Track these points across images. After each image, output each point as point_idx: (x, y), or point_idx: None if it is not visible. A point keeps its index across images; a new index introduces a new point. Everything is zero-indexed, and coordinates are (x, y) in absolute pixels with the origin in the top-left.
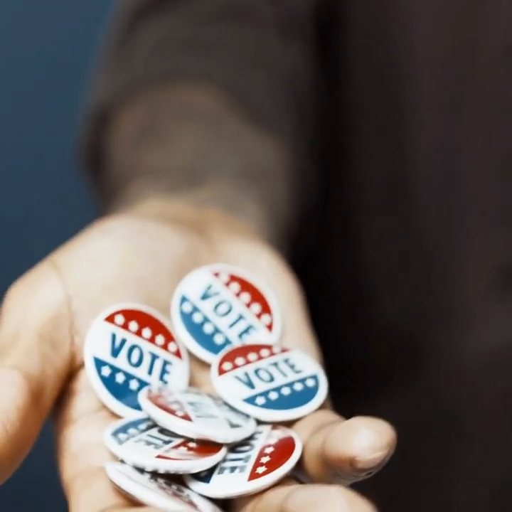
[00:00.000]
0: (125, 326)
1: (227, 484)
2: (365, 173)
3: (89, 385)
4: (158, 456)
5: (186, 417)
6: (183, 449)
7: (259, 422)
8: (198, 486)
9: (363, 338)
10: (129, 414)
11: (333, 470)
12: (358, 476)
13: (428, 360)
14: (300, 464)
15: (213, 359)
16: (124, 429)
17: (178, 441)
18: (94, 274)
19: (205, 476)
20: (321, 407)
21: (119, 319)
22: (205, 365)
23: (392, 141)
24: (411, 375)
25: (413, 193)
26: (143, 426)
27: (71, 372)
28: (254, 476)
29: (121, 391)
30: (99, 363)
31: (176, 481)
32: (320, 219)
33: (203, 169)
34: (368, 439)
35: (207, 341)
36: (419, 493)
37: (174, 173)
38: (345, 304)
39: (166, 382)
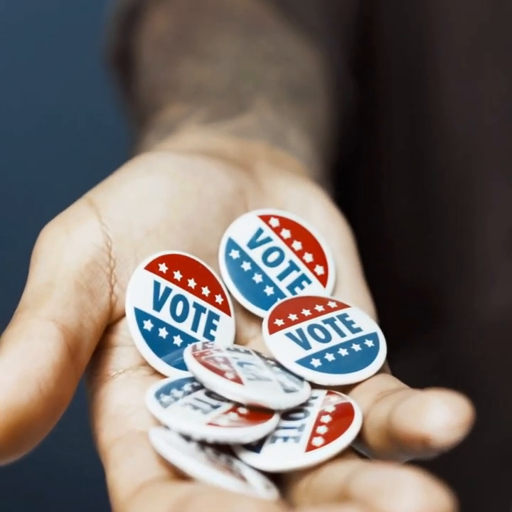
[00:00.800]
0: (169, 275)
1: (281, 456)
2: (388, 125)
3: (129, 340)
4: (209, 424)
5: (237, 380)
6: (233, 415)
7: (313, 386)
8: (248, 457)
9: (381, 297)
10: (172, 373)
11: (399, 447)
12: (428, 455)
13: (446, 319)
14: (359, 434)
15: (262, 313)
16: (167, 389)
17: (227, 406)
18: (137, 215)
19: (255, 446)
20: (380, 371)
21: (163, 267)
22: (252, 319)
23: (417, 91)
24: (429, 334)
25: (435, 147)
26: (188, 387)
27: (109, 324)
28: (310, 447)
29: (164, 347)
30: (141, 316)
31: (223, 450)
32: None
33: (246, 92)
34: (444, 416)
35: (255, 293)
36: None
37: (214, 98)
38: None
39: (212, 338)
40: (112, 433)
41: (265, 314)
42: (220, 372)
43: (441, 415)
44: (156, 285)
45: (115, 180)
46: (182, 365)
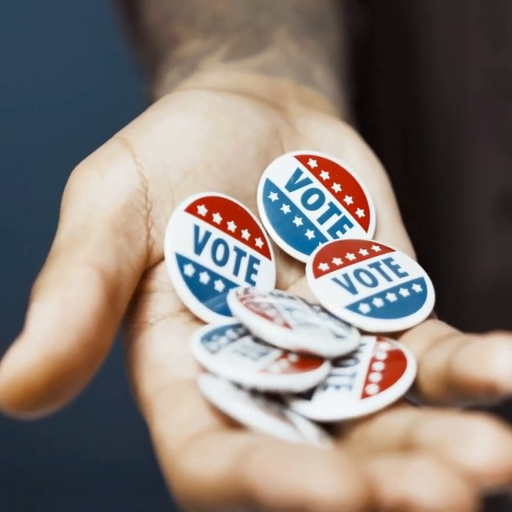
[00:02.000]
0: (208, 218)
1: (335, 405)
2: (375, 96)
3: (167, 284)
4: (261, 371)
5: (286, 326)
6: (283, 362)
7: (362, 333)
8: (300, 407)
9: None
10: (214, 320)
11: (459, 394)
12: (490, 402)
13: (436, 287)
14: (414, 382)
15: (303, 258)
16: (211, 336)
17: (276, 353)
18: (173, 156)
19: (306, 395)
20: (429, 317)
21: (202, 210)
22: (292, 264)
23: (406, 58)
24: None
25: (423, 117)
26: (233, 334)
27: (146, 269)
28: (365, 395)
29: (205, 292)
30: (182, 261)
31: (274, 400)
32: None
33: (265, 24)
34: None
35: (296, 236)
36: None
37: (234, 32)
38: None
39: (253, 283)
40: (156, 382)
41: (307, 259)
42: (268, 318)
43: (509, 359)
44: (196, 228)
45: (148, 119)
46: (224, 311)
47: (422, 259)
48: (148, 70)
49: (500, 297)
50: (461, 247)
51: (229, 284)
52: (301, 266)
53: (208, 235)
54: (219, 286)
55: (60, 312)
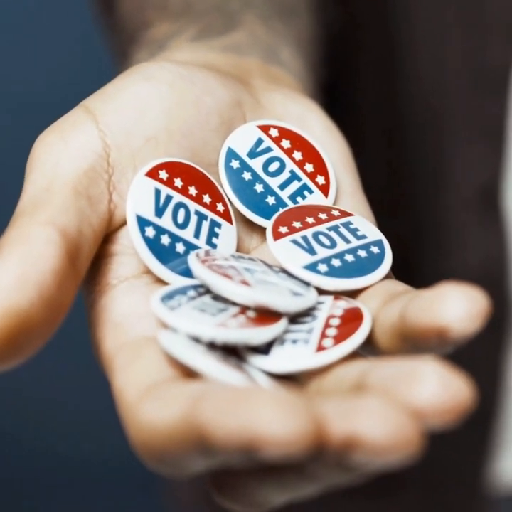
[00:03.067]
0: (170, 182)
1: (291, 358)
2: (359, 88)
3: (130, 248)
4: (218, 325)
5: (244, 283)
6: (241, 318)
7: (320, 292)
8: (257, 360)
9: None
10: (176, 281)
11: (413, 343)
12: (442, 350)
13: (421, 279)
14: (369, 338)
15: (264, 223)
16: (172, 295)
17: (235, 309)
18: (136, 122)
19: (264, 350)
20: (386, 277)
21: (163, 174)
22: (253, 229)
23: (388, 54)
24: None
25: (406, 108)
26: (192, 293)
27: (107, 234)
28: (320, 348)
29: (167, 254)
30: (143, 223)
31: (231, 355)
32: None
33: (234, 10)
34: (461, 306)
35: (257, 202)
36: None
37: (203, 15)
38: None
39: (214, 246)
40: (117, 340)
41: (268, 223)
42: (227, 276)
43: (459, 304)
44: (157, 192)
45: (112, 88)
46: (186, 273)
47: (406, 253)
48: (121, 56)
49: (484, 288)
50: (443, 240)
51: (190, 247)
52: (263, 232)
53: (169, 198)
54: (180, 248)
55: (20, 268)
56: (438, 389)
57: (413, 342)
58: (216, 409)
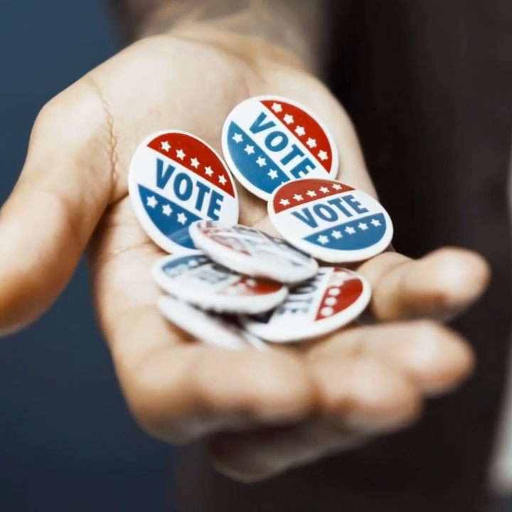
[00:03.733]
0: (172, 154)
1: (290, 326)
2: (368, 83)
3: (132, 218)
4: (218, 293)
5: (244, 252)
6: (241, 286)
7: (320, 264)
8: (256, 328)
9: None
10: (177, 250)
11: (412, 311)
12: (441, 317)
13: None
14: (369, 308)
15: (266, 196)
16: (173, 264)
17: (235, 278)
18: (139, 94)
19: (263, 319)
20: (387, 250)
21: (166, 145)
22: (255, 203)
23: (399, 49)
24: None
25: (415, 105)
26: (193, 262)
27: (110, 204)
28: (319, 317)
29: (168, 224)
30: (145, 193)
31: (231, 323)
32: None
33: None
34: (459, 271)
35: (259, 176)
36: None
37: None
38: None
39: (215, 218)
40: (118, 307)
41: (269, 196)
42: (227, 246)
43: (457, 269)
44: (159, 163)
45: (116, 61)
46: (187, 244)
47: (414, 248)
48: (127, 39)
49: (491, 284)
50: (451, 236)
51: (192, 217)
52: (264, 206)
53: (171, 169)
54: (182, 218)
55: (22, 233)
56: (435, 352)
57: (412, 309)
58: (214, 371)
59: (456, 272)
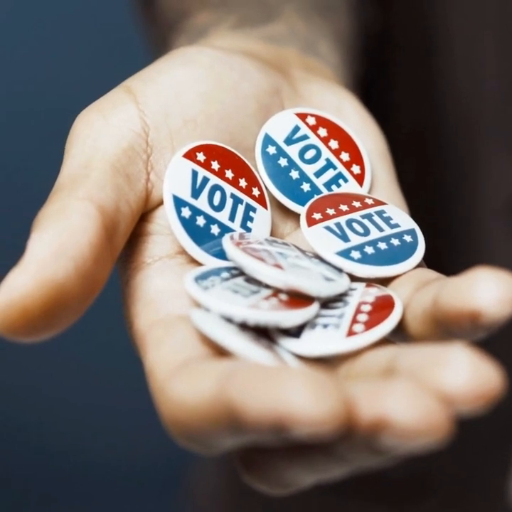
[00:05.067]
0: (207, 165)
1: (321, 341)
2: (394, 94)
3: (165, 228)
4: (250, 306)
5: (277, 266)
6: (274, 300)
7: (352, 279)
8: (288, 343)
9: None
10: (210, 262)
11: (445, 328)
12: (474, 336)
13: None
14: (400, 325)
15: (299, 209)
16: (205, 276)
17: (267, 292)
18: (175, 104)
19: (294, 333)
20: (418, 266)
21: (201, 156)
22: (288, 216)
23: (423, 59)
24: None
25: (439, 114)
26: (226, 274)
27: (144, 213)
28: (351, 333)
29: (202, 235)
30: (179, 203)
31: (263, 336)
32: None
33: (272, 3)
34: (495, 290)
35: (292, 188)
36: None
37: (242, 6)
38: None
39: (248, 230)
40: (150, 317)
41: (302, 210)
42: (260, 259)
43: (493, 287)
44: (194, 173)
45: (152, 70)
46: (220, 255)
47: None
48: (159, 47)
49: None
50: (472, 250)
51: (225, 229)
52: (297, 219)
53: (205, 180)
54: (215, 230)
55: (58, 241)
56: (468, 375)
57: (445, 327)
58: (247, 386)
59: (492, 290)
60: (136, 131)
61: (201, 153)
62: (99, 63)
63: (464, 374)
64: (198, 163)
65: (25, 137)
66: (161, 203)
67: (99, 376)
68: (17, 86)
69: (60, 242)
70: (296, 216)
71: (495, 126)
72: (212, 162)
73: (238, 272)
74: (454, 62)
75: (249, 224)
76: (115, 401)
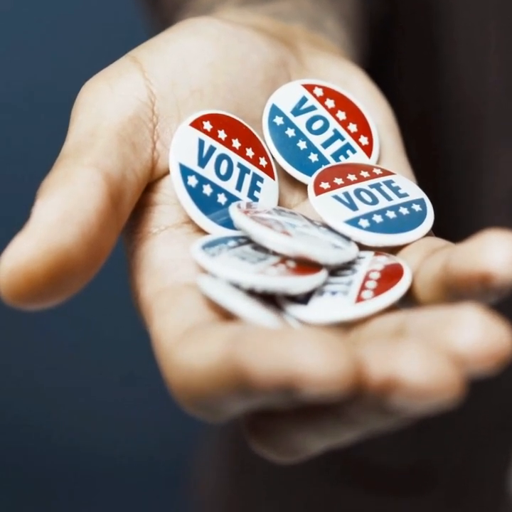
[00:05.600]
0: (213, 134)
1: (330, 308)
2: (399, 86)
3: (172, 197)
4: (258, 272)
5: (285, 233)
6: (281, 267)
7: (361, 247)
8: (295, 310)
9: None
10: (216, 231)
11: (456, 293)
12: (485, 300)
13: None
14: (409, 292)
15: (306, 179)
16: (212, 244)
17: (275, 259)
18: (182, 74)
19: (302, 300)
20: (427, 235)
21: (208, 125)
22: (295, 187)
23: (428, 50)
24: None
25: (444, 106)
26: (233, 243)
27: (150, 183)
28: (359, 299)
29: (208, 204)
30: (186, 172)
31: (271, 303)
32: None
33: None
34: (505, 251)
35: (300, 159)
36: None
37: None
38: None
39: (255, 200)
40: (157, 286)
41: (310, 179)
42: (268, 226)
43: (502, 250)
44: (201, 142)
45: (160, 40)
46: (227, 224)
47: None
48: (163, 26)
49: None
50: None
51: (232, 198)
52: (304, 190)
53: (212, 149)
54: (222, 199)
55: (64, 206)
56: (479, 334)
57: (456, 292)
58: (256, 348)
59: (501, 252)
60: (142, 100)
61: (208, 123)
62: (99, 61)
63: (475, 333)
64: (205, 132)
65: (25, 136)
66: (166, 173)
67: (102, 370)
68: (19, 82)
69: (66, 207)
70: (303, 187)
71: (499, 116)
72: (219, 131)
73: (245, 240)
74: (458, 53)
75: (256, 194)
76: (117, 395)
